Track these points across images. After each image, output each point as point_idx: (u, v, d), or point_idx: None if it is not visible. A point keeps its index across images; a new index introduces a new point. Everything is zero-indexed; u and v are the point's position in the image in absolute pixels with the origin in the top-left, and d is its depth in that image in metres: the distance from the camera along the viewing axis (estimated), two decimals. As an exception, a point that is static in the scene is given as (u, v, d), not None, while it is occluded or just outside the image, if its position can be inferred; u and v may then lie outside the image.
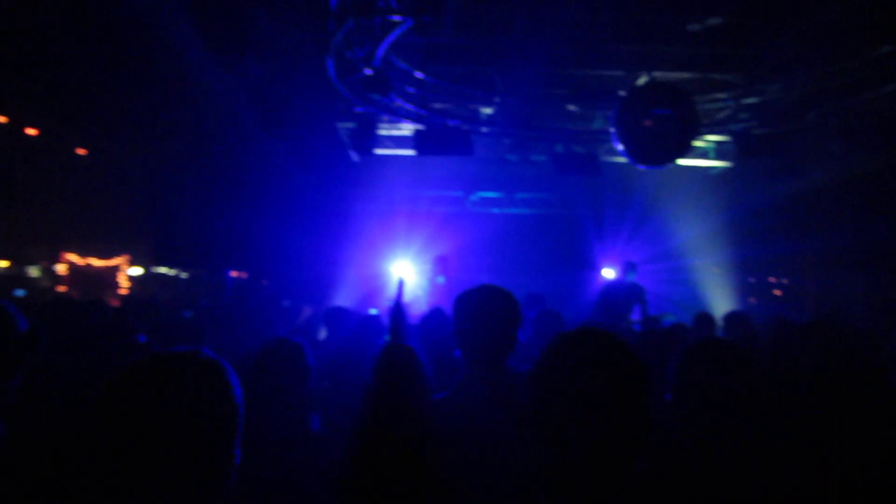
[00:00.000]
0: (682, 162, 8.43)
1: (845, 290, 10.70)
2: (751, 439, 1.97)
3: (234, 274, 12.98)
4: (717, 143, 9.98)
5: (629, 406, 1.42)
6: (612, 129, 6.81)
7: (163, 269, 13.58)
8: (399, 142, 9.79)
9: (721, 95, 8.53)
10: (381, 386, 2.12)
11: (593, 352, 1.47)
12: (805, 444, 2.29)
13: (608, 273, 12.24)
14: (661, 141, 6.43)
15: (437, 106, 8.55)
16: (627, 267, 9.51)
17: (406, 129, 9.28)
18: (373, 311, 6.66)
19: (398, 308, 5.68)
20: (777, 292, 13.60)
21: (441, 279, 9.66)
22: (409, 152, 9.46)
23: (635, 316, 8.48)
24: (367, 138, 8.22)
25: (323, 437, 2.40)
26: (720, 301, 11.53)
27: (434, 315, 4.55)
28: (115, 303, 8.32)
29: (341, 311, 5.43)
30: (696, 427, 1.99)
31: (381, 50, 6.51)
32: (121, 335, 2.99)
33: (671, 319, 8.45)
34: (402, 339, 2.71)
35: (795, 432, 2.37)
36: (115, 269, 12.30)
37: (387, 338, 5.67)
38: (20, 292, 10.86)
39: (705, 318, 5.72)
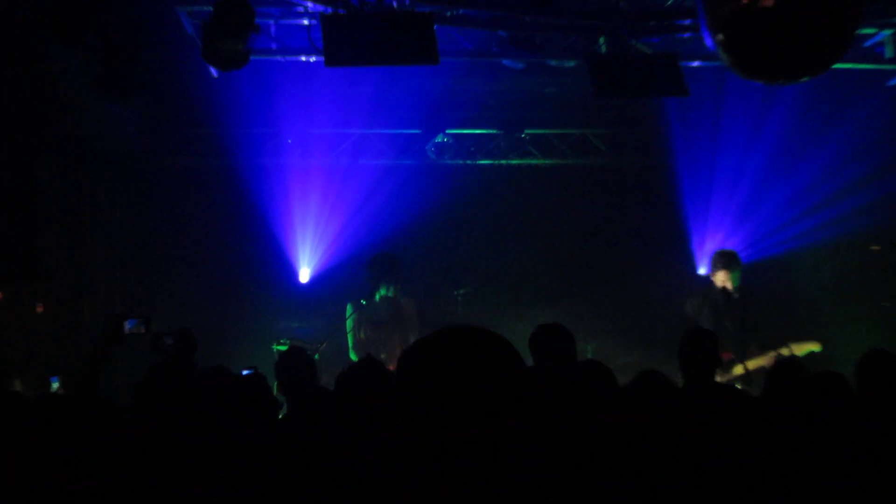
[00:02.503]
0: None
1: None
2: None
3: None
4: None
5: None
6: (700, 15, 6.83)
7: None
8: (298, 41, 9.64)
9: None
10: None
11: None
12: None
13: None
14: (793, 36, 6.47)
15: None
16: (726, 262, 9.91)
17: (310, 15, 9.21)
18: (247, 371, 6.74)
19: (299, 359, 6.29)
20: None
21: (385, 291, 10.18)
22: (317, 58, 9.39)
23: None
24: (236, 37, 8.20)
25: None
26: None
27: (359, 373, 4.75)
28: None
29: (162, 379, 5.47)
30: None
31: None
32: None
33: (813, 353, 9.26)
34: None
35: None
36: None
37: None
38: None
39: (882, 362, 5.84)
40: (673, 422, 4.40)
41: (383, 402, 4.46)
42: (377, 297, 10.21)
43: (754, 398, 6.49)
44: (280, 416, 6.03)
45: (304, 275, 13.40)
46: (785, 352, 8.92)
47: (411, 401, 2.40)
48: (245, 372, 6.46)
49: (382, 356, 9.54)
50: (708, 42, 7.07)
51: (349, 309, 10.34)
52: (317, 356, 10.24)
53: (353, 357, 10.16)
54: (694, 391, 6.28)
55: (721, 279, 9.90)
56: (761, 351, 9.23)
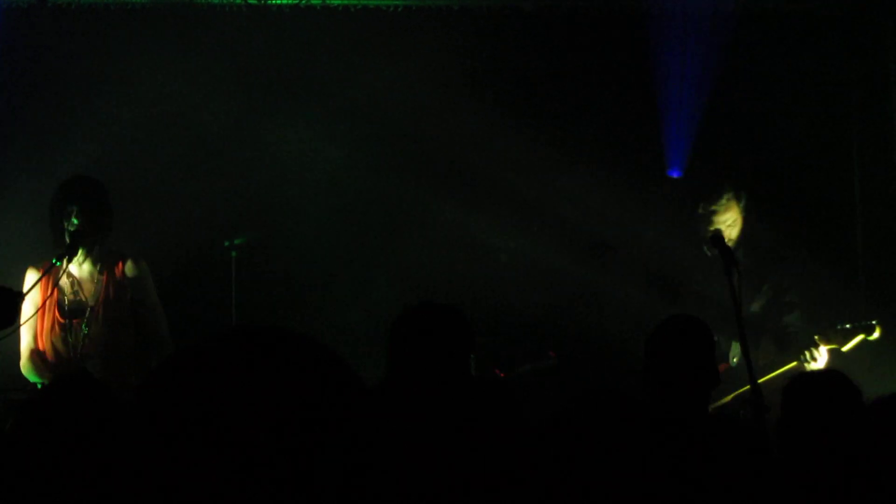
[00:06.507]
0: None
1: None
2: None
3: None
4: None
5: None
6: None
7: None
8: None
9: None
10: None
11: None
12: None
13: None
14: None
15: None
16: (739, 192, 8.69)
17: None
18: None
19: None
20: None
21: (91, 245, 7.85)
22: None
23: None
24: None
25: None
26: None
27: (54, 408, 4.19)
28: None
29: None
30: None
31: None
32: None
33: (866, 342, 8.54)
34: None
35: None
36: None
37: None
38: None
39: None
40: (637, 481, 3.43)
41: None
42: (82, 253, 7.46)
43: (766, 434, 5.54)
44: None
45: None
46: (809, 359, 7.45)
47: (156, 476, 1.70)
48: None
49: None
50: None
51: (29, 276, 7.68)
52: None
53: (31, 375, 7.59)
54: (673, 427, 4.88)
55: (726, 220, 8.38)
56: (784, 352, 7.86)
